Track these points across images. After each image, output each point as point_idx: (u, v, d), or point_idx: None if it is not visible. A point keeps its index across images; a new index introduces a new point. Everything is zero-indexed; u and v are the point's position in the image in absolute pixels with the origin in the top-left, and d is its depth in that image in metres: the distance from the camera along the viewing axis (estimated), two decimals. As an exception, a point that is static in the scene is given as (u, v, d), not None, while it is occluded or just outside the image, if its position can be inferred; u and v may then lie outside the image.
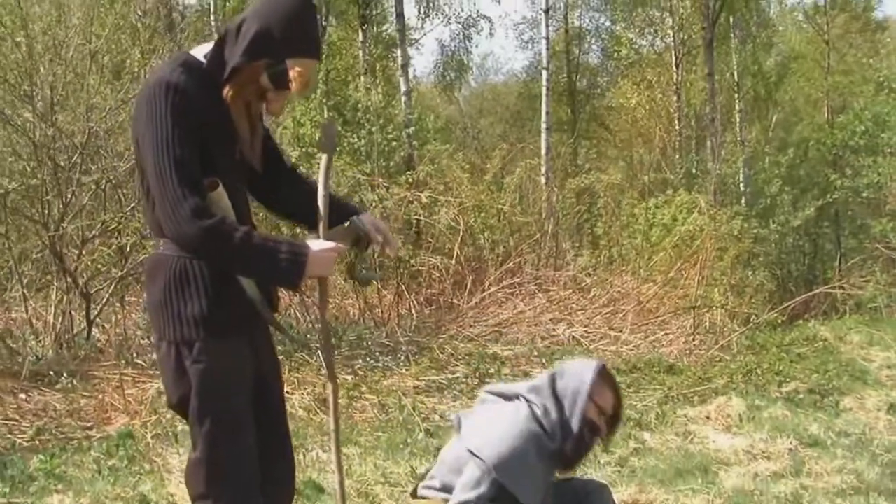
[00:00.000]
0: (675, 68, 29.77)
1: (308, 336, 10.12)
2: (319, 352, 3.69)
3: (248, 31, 3.24)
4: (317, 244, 3.34)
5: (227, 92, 3.29)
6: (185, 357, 3.28)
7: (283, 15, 3.24)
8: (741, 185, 26.65)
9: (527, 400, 3.96)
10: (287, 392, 8.08)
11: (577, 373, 3.99)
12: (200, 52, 3.36)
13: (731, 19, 29.48)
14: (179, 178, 3.12)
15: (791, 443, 7.14)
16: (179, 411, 3.43)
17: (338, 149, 17.75)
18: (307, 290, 10.89)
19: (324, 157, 3.54)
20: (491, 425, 3.88)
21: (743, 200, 25.09)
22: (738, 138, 29.55)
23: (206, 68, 3.30)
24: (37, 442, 7.12)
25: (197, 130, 3.20)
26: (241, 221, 3.32)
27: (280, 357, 9.12)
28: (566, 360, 4.13)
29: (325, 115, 17.58)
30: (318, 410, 7.86)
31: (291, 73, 3.28)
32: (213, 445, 3.32)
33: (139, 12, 12.76)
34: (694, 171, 24.56)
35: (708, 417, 8.09)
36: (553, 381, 3.98)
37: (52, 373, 8.63)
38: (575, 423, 3.87)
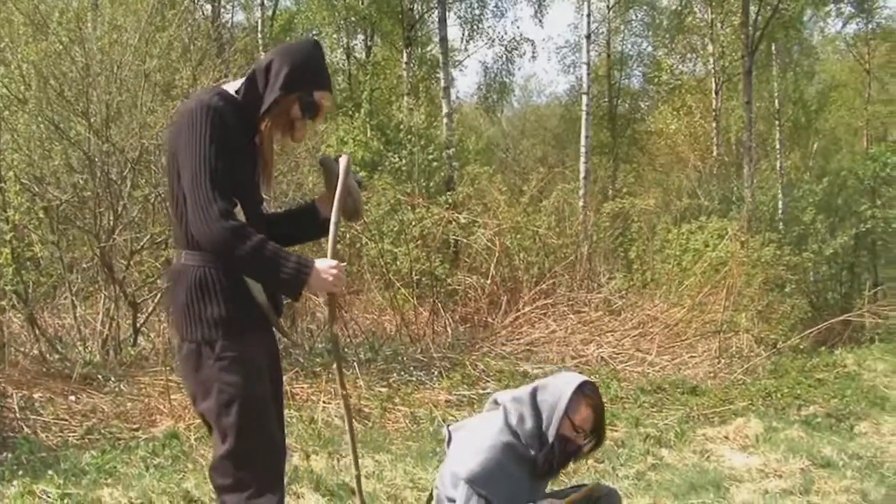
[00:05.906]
0: (714, 95, 29.96)
1: (344, 350, 10.44)
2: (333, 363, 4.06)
3: (280, 70, 3.77)
4: (323, 262, 3.71)
5: (265, 123, 3.79)
6: (208, 356, 3.66)
7: (307, 56, 3.85)
8: (779, 212, 26.68)
9: (506, 408, 4.20)
10: (324, 401, 8.49)
11: (558, 388, 4.17)
12: (231, 87, 3.84)
13: (773, 47, 29.60)
14: (212, 184, 3.56)
15: (803, 463, 7.34)
16: (201, 413, 3.82)
17: (378, 168, 17.85)
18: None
19: (339, 186, 3.91)
20: (468, 442, 4.18)
21: (781, 227, 25.12)
22: (776, 165, 29.60)
23: (242, 101, 3.77)
24: (87, 440, 7.52)
25: (230, 150, 3.64)
26: None
27: (318, 368, 9.52)
28: (555, 373, 4.35)
29: (369, 134, 17.91)
30: (353, 419, 8.22)
31: (324, 102, 3.86)
32: (241, 435, 3.65)
33: (189, 31, 13.04)
34: (732, 197, 24.66)
35: (726, 437, 8.33)
36: (535, 392, 4.19)
37: (100, 377, 9.07)
38: (550, 436, 4.09)
